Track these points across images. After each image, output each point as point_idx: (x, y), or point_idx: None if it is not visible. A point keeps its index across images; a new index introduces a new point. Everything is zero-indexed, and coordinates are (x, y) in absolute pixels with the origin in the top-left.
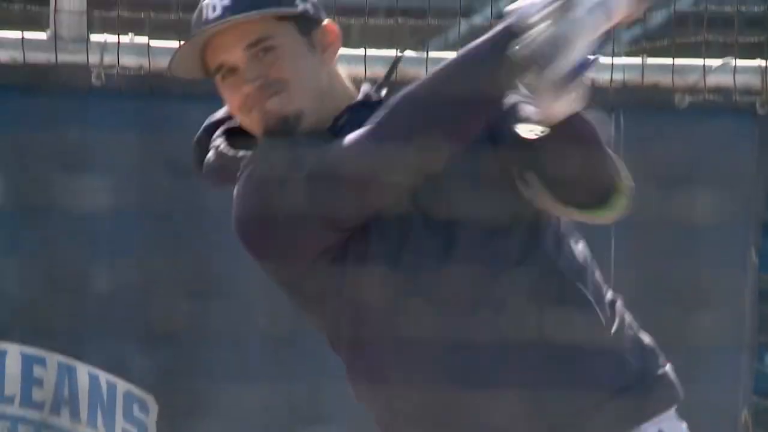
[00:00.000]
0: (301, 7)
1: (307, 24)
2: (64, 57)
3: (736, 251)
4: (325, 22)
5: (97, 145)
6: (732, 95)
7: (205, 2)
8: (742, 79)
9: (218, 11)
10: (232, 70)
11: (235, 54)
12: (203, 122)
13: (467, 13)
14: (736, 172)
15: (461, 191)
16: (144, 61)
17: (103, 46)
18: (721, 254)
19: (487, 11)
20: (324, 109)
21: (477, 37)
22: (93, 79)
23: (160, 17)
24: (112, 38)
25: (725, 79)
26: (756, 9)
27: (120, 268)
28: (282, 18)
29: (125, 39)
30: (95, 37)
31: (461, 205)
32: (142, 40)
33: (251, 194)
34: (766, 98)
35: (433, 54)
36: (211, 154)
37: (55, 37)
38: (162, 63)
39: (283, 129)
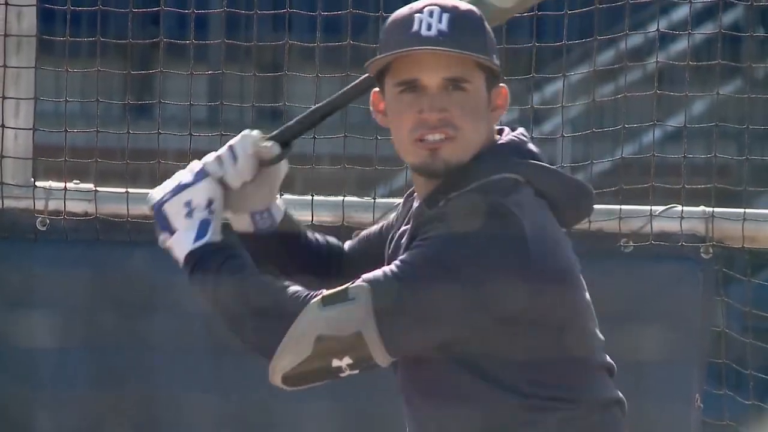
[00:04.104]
0: (497, 62)
1: (492, 80)
2: (10, 203)
3: (681, 392)
4: (502, 84)
5: (42, 288)
6: (678, 241)
7: (417, 14)
8: (687, 225)
9: (433, 32)
10: (416, 89)
11: (433, 79)
12: (146, 266)
13: None
14: (682, 316)
15: None
16: (89, 207)
17: (49, 192)
18: (666, 394)
19: None
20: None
21: None
22: (38, 225)
23: (106, 164)
24: (57, 184)
25: (671, 225)
26: (701, 156)
27: (64, 405)
28: (478, 65)
29: (71, 185)
30: (41, 183)
31: None
32: (88, 186)
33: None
34: (710, 244)
35: (379, 200)
36: None
37: (1, 183)
38: (107, 208)
39: (440, 173)
